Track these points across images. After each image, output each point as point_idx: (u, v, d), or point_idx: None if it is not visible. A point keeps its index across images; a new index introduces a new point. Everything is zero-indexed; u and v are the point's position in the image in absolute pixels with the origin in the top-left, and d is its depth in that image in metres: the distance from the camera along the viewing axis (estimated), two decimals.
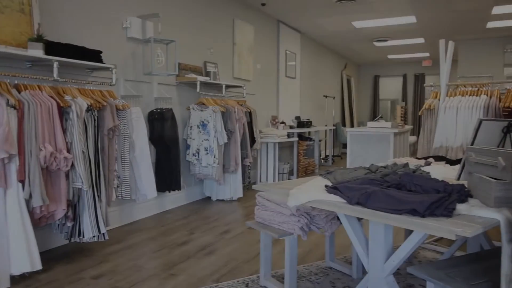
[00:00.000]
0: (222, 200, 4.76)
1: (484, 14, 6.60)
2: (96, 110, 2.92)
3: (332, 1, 5.90)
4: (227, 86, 5.11)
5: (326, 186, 1.89)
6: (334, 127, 9.65)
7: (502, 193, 1.55)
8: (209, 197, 4.87)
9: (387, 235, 1.77)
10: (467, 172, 1.84)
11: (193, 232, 3.51)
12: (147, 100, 4.07)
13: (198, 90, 4.46)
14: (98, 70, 3.38)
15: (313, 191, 1.85)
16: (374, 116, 12.54)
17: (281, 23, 7.15)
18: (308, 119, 7.46)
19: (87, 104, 2.81)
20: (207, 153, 4.38)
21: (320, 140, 8.03)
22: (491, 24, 7.29)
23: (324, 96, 9.17)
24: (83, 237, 2.79)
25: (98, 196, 2.84)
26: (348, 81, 11.60)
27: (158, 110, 4.00)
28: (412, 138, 8.08)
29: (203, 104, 4.50)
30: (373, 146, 4.93)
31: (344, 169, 2.30)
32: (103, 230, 2.82)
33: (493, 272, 1.67)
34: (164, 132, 3.98)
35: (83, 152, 2.71)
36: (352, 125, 11.40)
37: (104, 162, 3.01)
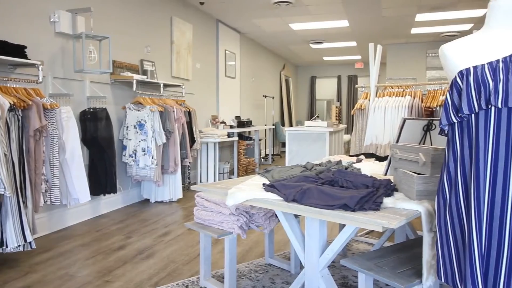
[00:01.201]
0: (161, 202, 4.65)
1: (409, 20, 7.11)
2: (20, 110, 2.71)
3: (270, 3, 6.01)
4: (165, 85, 5.00)
5: (263, 184, 1.92)
6: (274, 127, 9.84)
7: (423, 186, 1.68)
8: (148, 199, 4.73)
9: (322, 230, 1.84)
10: (393, 168, 1.97)
11: (130, 236, 3.39)
12: (79, 99, 3.86)
13: (134, 89, 4.31)
14: (23, 67, 3.14)
15: (251, 190, 1.87)
16: (311, 115, 12.98)
17: (220, 22, 7.14)
18: (248, 119, 7.53)
19: (10, 103, 2.60)
20: (144, 154, 4.26)
21: (260, 140, 8.14)
22: (415, 30, 7.86)
23: (263, 96, 9.31)
24: (7, 247, 2.58)
25: (23, 202, 2.65)
26: (287, 82, 11.89)
27: (91, 110, 3.81)
28: (346, 137, 8.48)
29: (140, 103, 4.36)
30: (311, 144, 5.10)
31: (281, 167, 2.35)
32: (29, 238, 2.63)
33: (417, 260, 1.81)
34: (97, 132, 3.80)
35: (5, 154, 2.51)
36: (290, 125, 11.69)
37: (30, 166, 2.81)
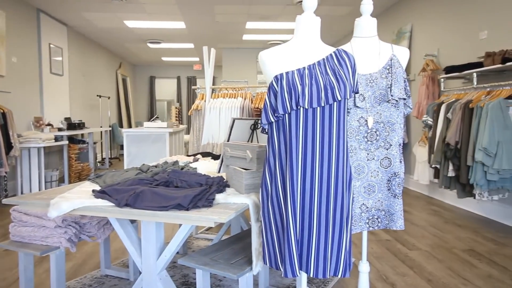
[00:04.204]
0: None
1: (240, 27, 7.62)
2: None
3: None
4: None
5: (93, 191, 1.79)
6: (110, 128, 9.27)
7: (250, 180, 1.83)
8: None
9: (158, 232, 1.82)
10: (225, 165, 2.08)
11: None
12: None
13: None
14: None
15: (78, 198, 1.72)
16: (151, 116, 12.69)
17: (41, 12, 6.32)
18: (81, 120, 6.91)
19: None
20: None
21: (95, 143, 7.55)
22: (246, 37, 8.48)
23: (98, 95, 8.67)
24: None
25: None
26: (124, 81, 11.33)
27: None
28: (187, 137, 8.60)
29: None
30: (150, 146, 4.98)
31: (115, 171, 2.23)
32: None
33: (249, 249, 1.96)
34: None
35: None
36: (130, 126, 11.20)
37: None
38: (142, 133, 4.94)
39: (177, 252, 2.95)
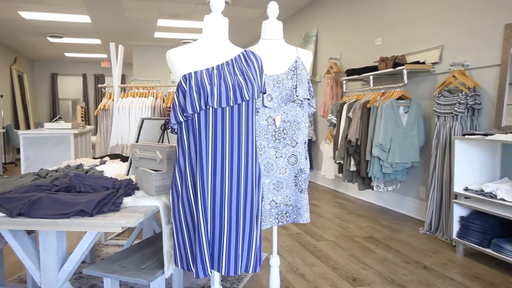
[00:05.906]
0: None
1: (151, 24, 7.38)
2: None
3: None
4: None
5: None
6: (4, 130, 8.34)
7: (160, 182, 1.79)
8: None
9: (60, 242, 1.68)
10: (134, 167, 2.01)
11: None
12: None
13: None
14: None
15: None
16: (53, 116, 11.69)
17: None
18: None
19: None
20: None
21: None
22: (158, 34, 8.23)
23: None
24: None
25: None
26: (20, 78, 10.26)
27: None
28: (95, 138, 8.09)
29: None
30: (52, 149, 4.60)
31: (7, 178, 2.02)
32: None
33: (160, 252, 1.91)
34: None
35: None
36: (28, 127, 10.18)
37: None
38: (42, 135, 4.54)
39: (84, 262, 2.77)
